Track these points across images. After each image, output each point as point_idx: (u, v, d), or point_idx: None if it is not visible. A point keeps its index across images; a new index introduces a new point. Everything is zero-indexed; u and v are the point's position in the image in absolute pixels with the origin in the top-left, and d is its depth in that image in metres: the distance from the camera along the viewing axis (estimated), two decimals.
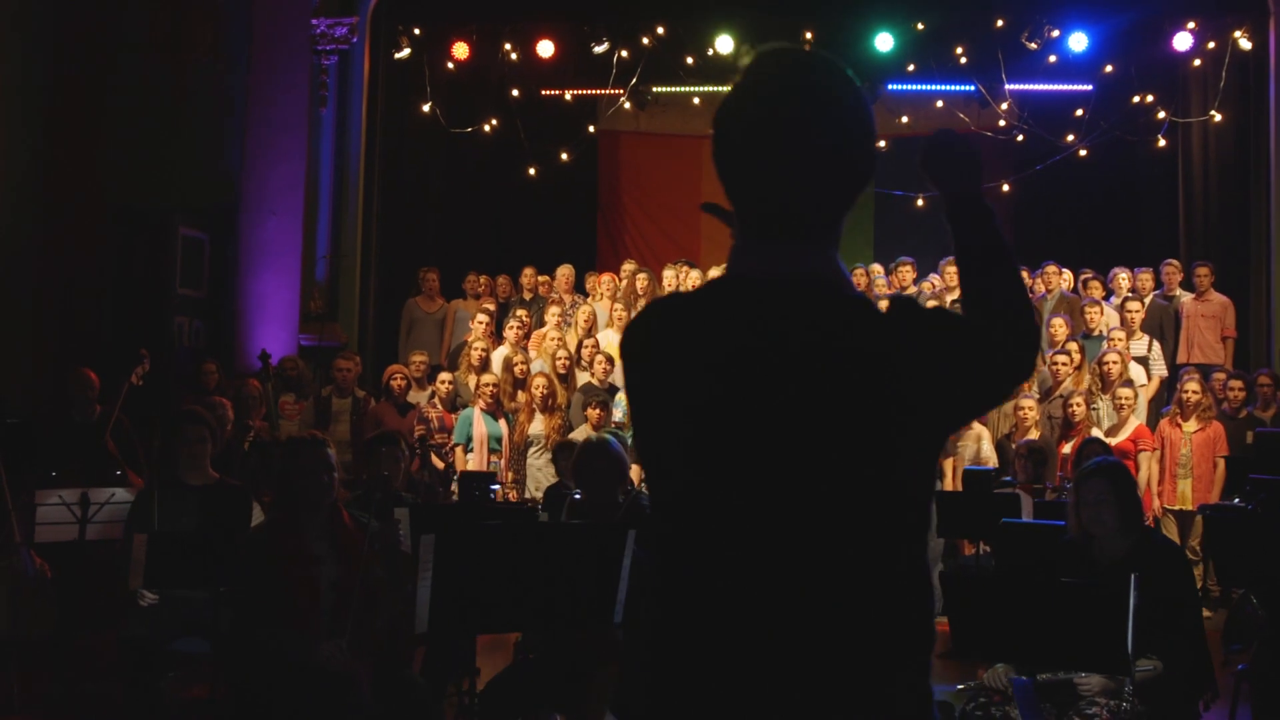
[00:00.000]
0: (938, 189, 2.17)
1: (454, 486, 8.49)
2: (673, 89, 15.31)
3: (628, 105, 14.79)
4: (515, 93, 14.63)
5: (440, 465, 9.73)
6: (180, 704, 5.68)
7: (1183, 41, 13.55)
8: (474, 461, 9.86)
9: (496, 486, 8.36)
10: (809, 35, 13.70)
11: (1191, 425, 10.03)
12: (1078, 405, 9.85)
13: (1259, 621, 5.28)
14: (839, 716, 1.94)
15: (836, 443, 1.95)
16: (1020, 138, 14.83)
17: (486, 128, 14.65)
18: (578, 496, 4.90)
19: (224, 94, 12.69)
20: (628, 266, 13.37)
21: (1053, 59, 13.98)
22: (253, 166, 12.60)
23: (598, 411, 9.80)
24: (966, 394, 2.04)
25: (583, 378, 10.91)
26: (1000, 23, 13.74)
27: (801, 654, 1.93)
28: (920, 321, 2.00)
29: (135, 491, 6.11)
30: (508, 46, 14.12)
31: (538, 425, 10.13)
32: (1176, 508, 9.95)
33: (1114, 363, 10.42)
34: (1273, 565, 4.48)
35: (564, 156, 15.16)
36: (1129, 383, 10.38)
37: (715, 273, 12.46)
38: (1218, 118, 13.77)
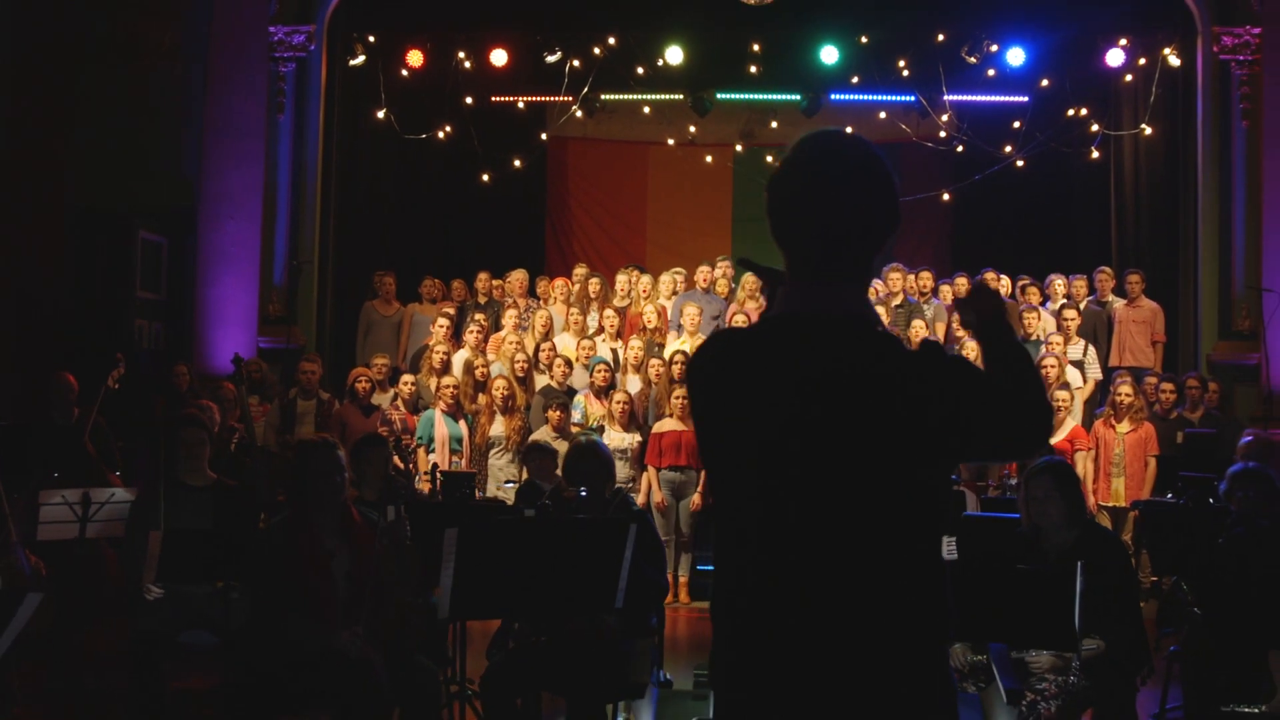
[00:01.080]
0: (975, 316, 2.61)
1: (430, 485, 8.73)
2: (621, 96, 15.41)
3: (579, 114, 14.98)
4: (468, 100, 14.73)
5: (401, 465, 9.98)
6: (179, 695, 5.97)
7: (1115, 58, 13.79)
8: (436, 462, 10.13)
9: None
10: (756, 47, 13.96)
11: (1124, 426, 10.40)
12: None
13: (1189, 606, 5.68)
14: (883, 686, 2.33)
15: (864, 454, 2.35)
16: (960, 148, 15.03)
17: (440, 134, 14.75)
18: (584, 494, 5.23)
19: (183, 100, 12.90)
20: (579, 271, 13.56)
21: (991, 73, 14.19)
22: (212, 171, 12.81)
23: (558, 413, 10.09)
24: (981, 440, 2.44)
25: (541, 380, 11.16)
26: (941, 37, 13.94)
27: (849, 628, 2.33)
28: (948, 370, 2.41)
29: (135, 492, 6.37)
30: (461, 55, 14.22)
31: (498, 427, 10.41)
32: (1110, 504, 10.29)
33: (1051, 366, 10.68)
34: (1201, 554, 4.90)
35: (516, 163, 15.34)
36: (1065, 385, 10.73)
37: (666, 278, 12.84)
38: (1148, 131, 14.05)
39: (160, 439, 6.21)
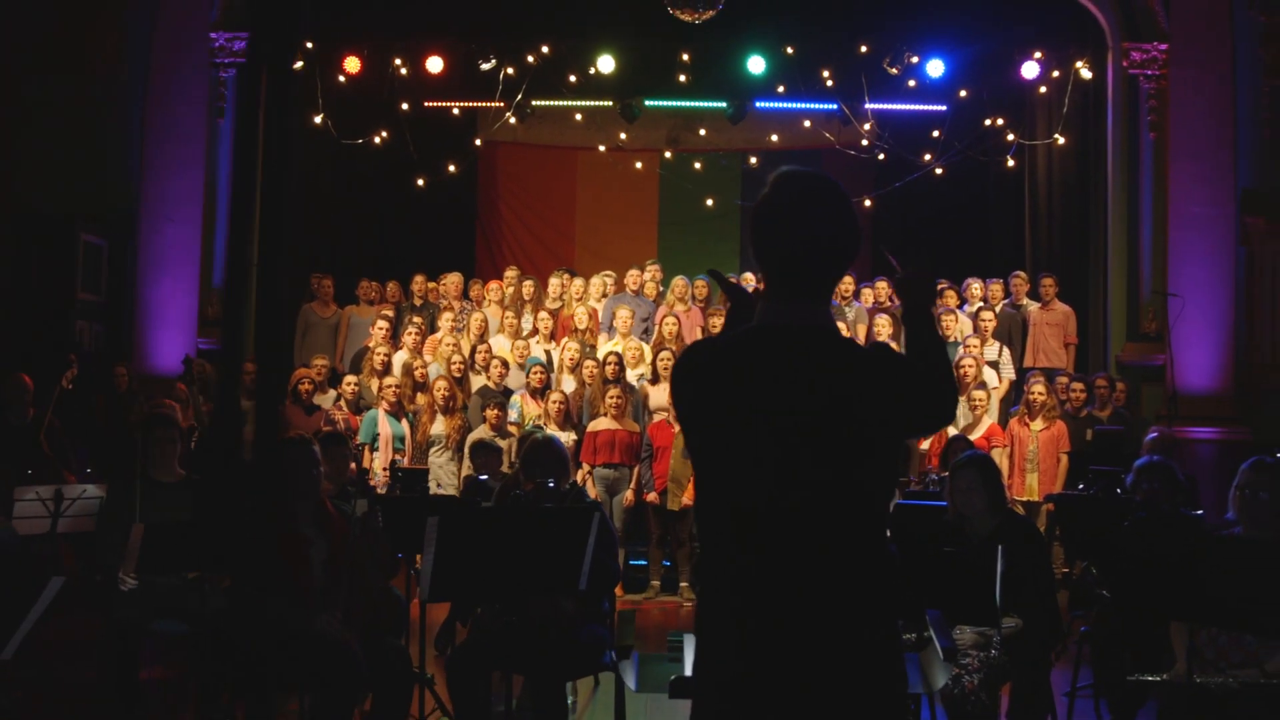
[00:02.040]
0: (910, 302, 3.03)
1: (388, 481, 9.00)
2: (553, 103, 15.59)
3: (513, 120, 15.21)
4: (404, 106, 14.90)
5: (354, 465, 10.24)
6: (150, 684, 6.24)
7: (1030, 70, 14.12)
8: (379, 460, 10.39)
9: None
10: (685, 57, 14.25)
11: (1038, 424, 10.77)
12: None
13: (1098, 589, 6.13)
14: (845, 658, 2.70)
15: (836, 442, 2.73)
16: (881, 156, 15.41)
17: (376, 139, 14.91)
18: (552, 484, 5.58)
19: (124, 105, 12.98)
20: (510, 273, 13.78)
21: (912, 83, 14.45)
22: (152, 175, 12.94)
23: (495, 412, 10.37)
24: (912, 419, 2.91)
25: (477, 381, 11.45)
26: (864, 49, 14.18)
27: (816, 602, 2.69)
28: (893, 364, 2.84)
29: (104, 488, 6.61)
30: (397, 61, 14.37)
31: (439, 426, 10.67)
32: (1025, 499, 10.58)
33: (969, 367, 11.11)
34: (1107, 541, 5.33)
35: (451, 169, 15.54)
36: (982, 385, 11.09)
37: (596, 281, 13.16)
38: (1061, 141, 14.42)
39: (135, 437, 6.46)
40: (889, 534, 3.15)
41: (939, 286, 12.90)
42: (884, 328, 11.92)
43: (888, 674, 2.77)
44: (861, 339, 12.03)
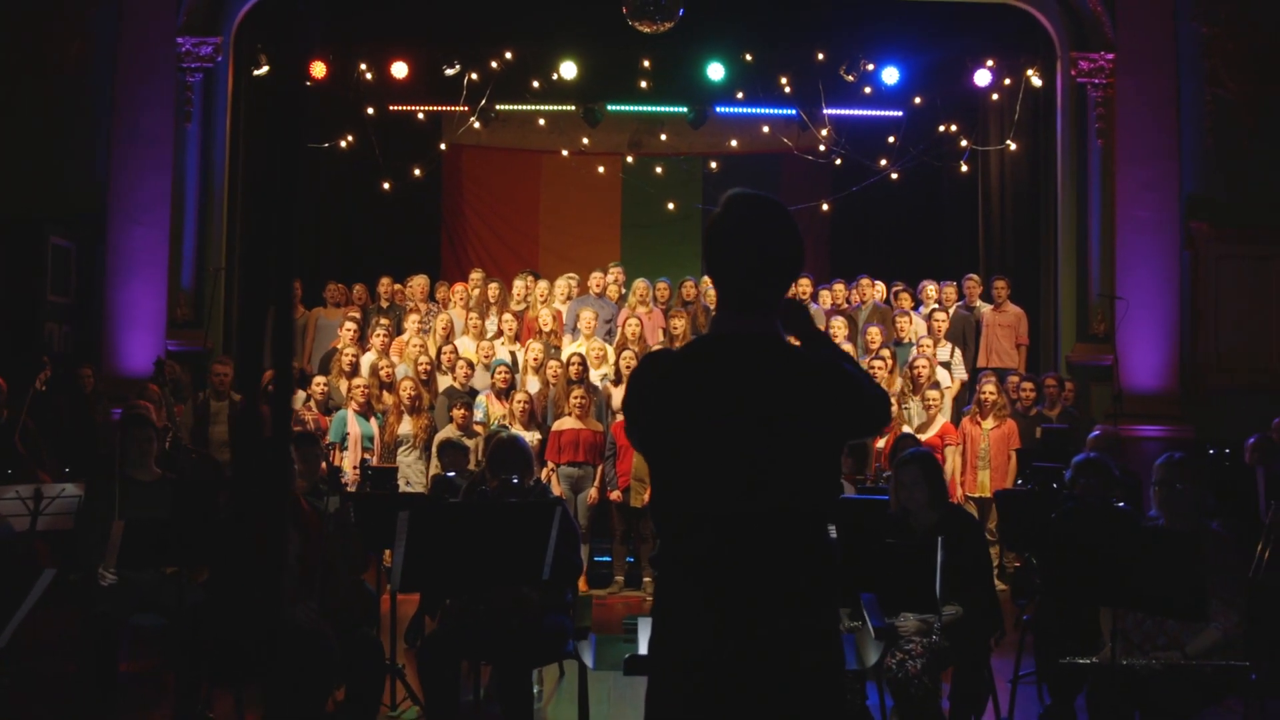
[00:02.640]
0: (794, 331, 3.26)
1: (359, 479, 9.23)
2: (516, 107, 15.80)
3: (477, 125, 15.40)
4: (369, 110, 15.06)
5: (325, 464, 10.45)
6: (128, 677, 6.46)
7: (982, 78, 14.34)
8: (349, 459, 10.61)
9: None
10: (647, 63, 14.43)
11: (990, 423, 11.04)
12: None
13: (1037, 579, 6.44)
14: (790, 639, 2.97)
15: (779, 442, 3.01)
16: (838, 161, 15.65)
17: (342, 143, 15.05)
18: (516, 480, 5.85)
19: (92, 109, 13.07)
20: (475, 275, 13.95)
21: (868, 90, 14.67)
22: (120, 179, 13.01)
23: (462, 411, 10.63)
24: (852, 423, 3.15)
25: (444, 381, 11.68)
26: (821, 56, 14.39)
27: (765, 586, 2.97)
28: (838, 373, 3.10)
29: (82, 487, 6.83)
30: (363, 66, 14.48)
31: (406, 425, 10.90)
32: (977, 495, 10.87)
33: (923, 367, 11.37)
34: (1046, 533, 5.62)
35: (417, 172, 15.75)
36: (935, 385, 11.38)
37: (560, 283, 13.41)
38: (1013, 147, 14.67)
39: (114, 438, 6.68)
40: (832, 526, 3.43)
41: (894, 289, 13.32)
42: (840, 329, 12.22)
43: (828, 652, 3.06)
44: None
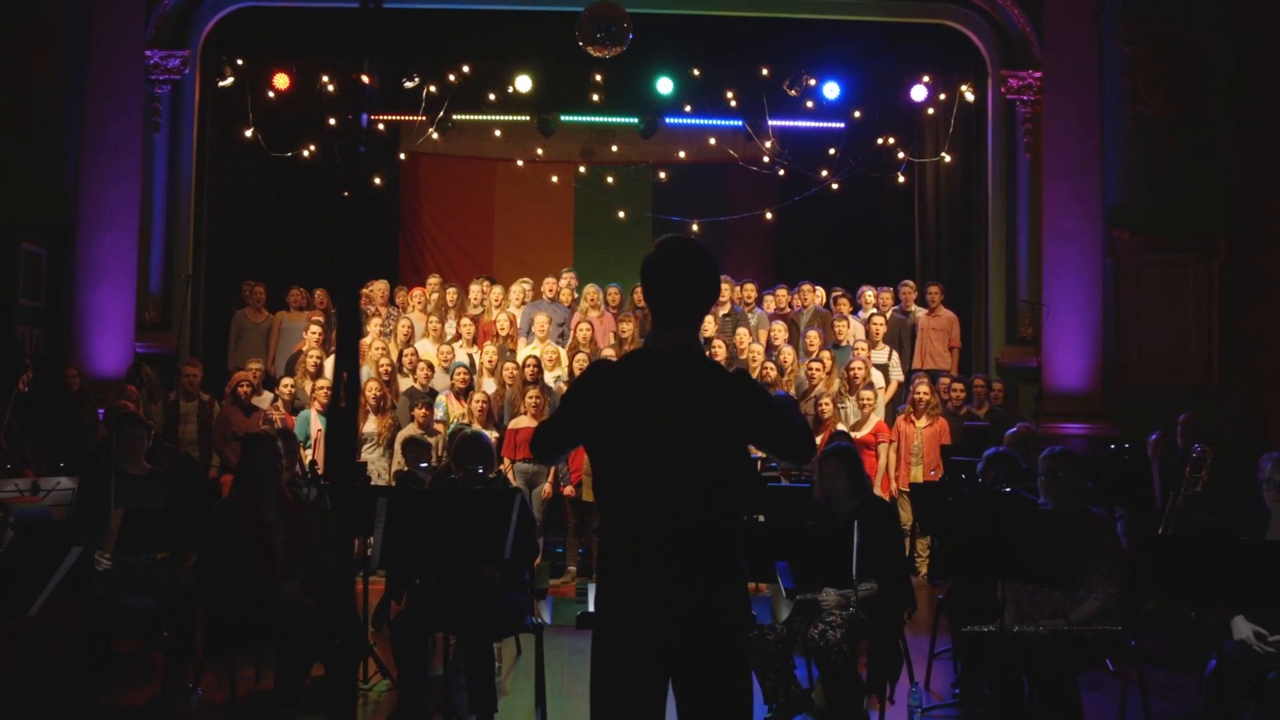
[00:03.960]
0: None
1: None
2: (473, 117, 16.19)
3: (435, 135, 15.89)
4: (331, 120, 15.39)
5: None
6: (121, 658, 7.01)
7: (919, 93, 14.95)
8: (312, 456, 11.15)
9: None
10: (599, 78, 14.96)
11: (922, 421, 11.69)
12: (827, 405, 11.43)
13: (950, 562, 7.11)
14: (706, 589, 3.66)
15: (698, 436, 3.69)
16: (782, 172, 16.15)
17: (305, 152, 15.42)
18: (482, 470, 6.50)
19: (62, 119, 13.53)
20: (433, 280, 14.49)
21: (810, 104, 15.25)
22: (90, 187, 13.47)
23: (423, 411, 11.22)
24: (764, 440, 3.88)
25: (405, 383, 12.21)
26: (765, 71, 14.98)
27: (686, 550, 3.65)
28: (749, 389, 3.81)
29: (76, 480, 7.39)
30: (325, 78, 14.88)
31: (371, 424, 11.43)
32: (909, 489, 11.37)
33: (859, 369, 11.98)
34: (950, 519, 6.29)
35: (377, 181, 16.21)
36: (870, 385, 12.00)
37: (515, 288, 13.91)
38: (947, 159, 15.29)
39: (109, 434, 7.26)
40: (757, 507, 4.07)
41: (834, 294, 13.99)
42: (780, 333, 12.88)
43: (737, 607, 3.75)
44: (764, 342, 12.97)
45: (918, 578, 10.67)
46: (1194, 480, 9.04)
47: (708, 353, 12.08)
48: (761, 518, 7.26)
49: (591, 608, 3.81)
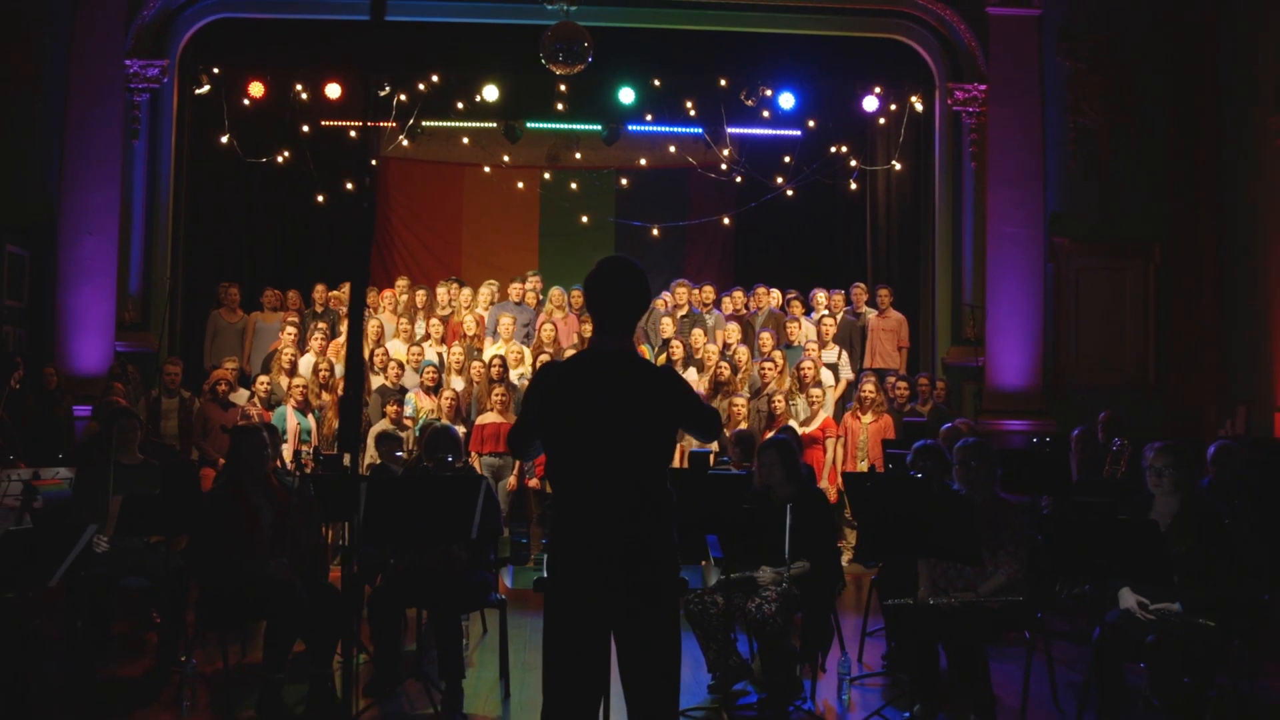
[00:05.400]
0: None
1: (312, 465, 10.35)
2: (441, 123, 16.75)
3: (406, 143, 16.41)
4: (304, 128, 15.99)
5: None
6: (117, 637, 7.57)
7: (870, 104, 15.57)
8: (287, 450, 11.69)
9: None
10: (563, 87, 15.43)
11: (868, 417, 12.28)
12: (779, 402, 12.07)
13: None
14: (646, 554, 4.32)
15: (634, 423, 4.35)
16: (739, 179, 16.80)
17: (279, 158, 15.97)
18: (451, 459, 7.14)
19: (44, 125, 13.99)
20: (402, 282, 15.10)
21: (766, 114, 15.79)
22: (72, 191, 13.92)
23: (394, 408, 11.77)
24: (682, 416, 4.52)
25: (376, 380, 12.73)
26: (723, 82, 15.53)
27: (625, 519, 4.30)
28: (675, 382, 4.49)
29: (74, 470, 7.95)
30: (299, 87, 15.43)
31: None
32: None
33: (808, 368, 12.57)
34: (868, 503, 6.95)
35: (349, 186, 16.70)
36: (819, 384, 12.59)
37: (483, 290, 14.47)
38: (898, 167, 15.86)
39: (106, 428, 7.85)
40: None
41: (788, 296, 14.64)
42: (734, 334, 13.53)
43: (668, 569, 4.43)
44: (719, 343, 13.58)
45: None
46: (1114, 471, 9.76)
47: (667, 352, 12.93)
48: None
49: (546, 574, 4.42)
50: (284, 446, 11.46)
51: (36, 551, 5.59)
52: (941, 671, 6.71)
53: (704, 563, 6.49)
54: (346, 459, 9.87)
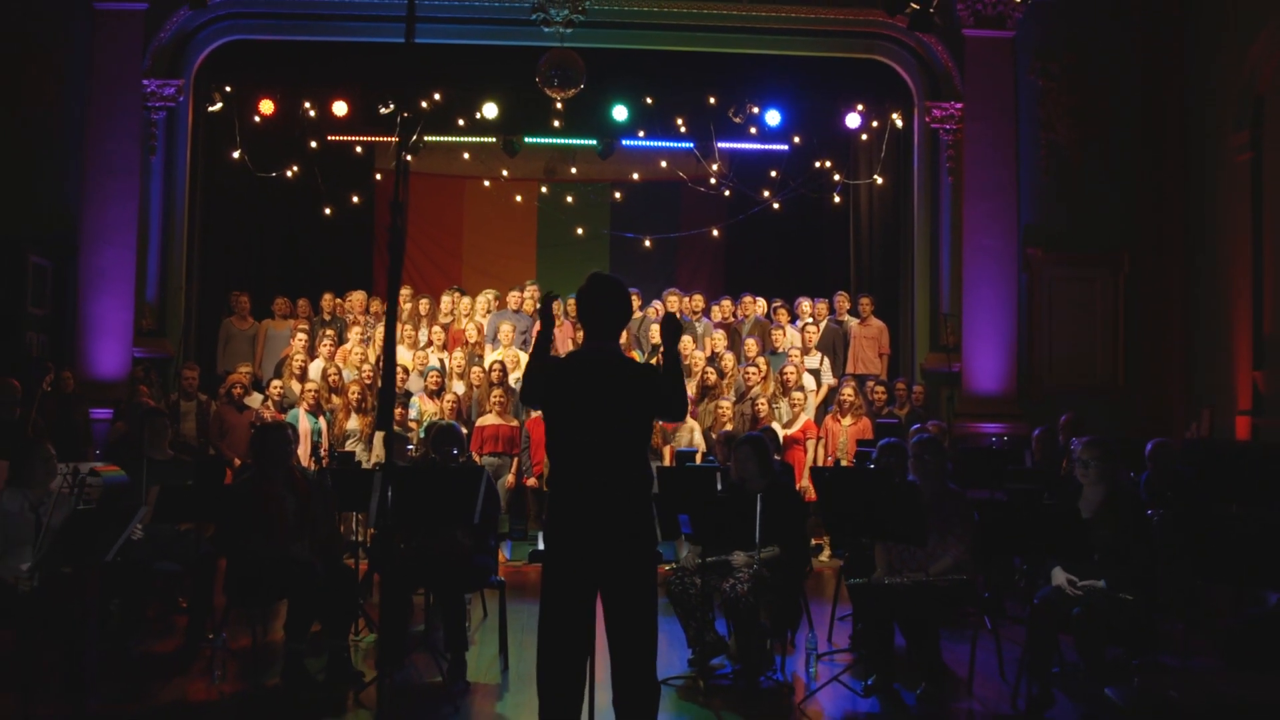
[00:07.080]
0: (665, 341, 5.34)
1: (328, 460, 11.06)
2: (443, 138, 17.38)
3: (409, 159, 17.02)
4: (313, 143, 16.64)
5: None
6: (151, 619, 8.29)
7: (853, 121, 16.15)
8: (302, 450, 12.32)
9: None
10: (560, 105, 15.82)
11: (848, 420, 12.94)
12: (762, 405, 12.77)
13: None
14: (624, 521, 5.07)
15: (621, 411, 5.10)
16: (728, 192, 17.44)
17: (288, 173, 16.62)
18: (456, 452, 7.91)
19: (66, 141, 14.67)
20: (405, 291, 15.52)
21: (753, 130, 16.37)
22: (92, 205, 14.61)
23: (400, 410, 12.50)
24: (658, 408, 5.24)
25: None
26: (712, 100, 16.15)
27: (610, 494, 5.06)
28: (654, 377, 5.20)
29: (109, 466, 8.67)
30: (307, 104, 16.07)
31: (353, 422, 12.64)
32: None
33: (791, 373, 13.26)
34: (839, 495, 7.69)
35: (355, 199, 17.45)
36: (801, 388, 13.28)
37: (482, 299, 15.12)
38: (879, 181, 16.45)
39: (138, 426, 8.60)
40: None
41: (774, 305, 15.33)
42: (721, 341, 14.23)
43: (647, 532, 5.17)
44: (707, 350, 14.26)
45: (821, 556, 11.85)
46: (1070, 470, 10.44)
47: (657, 357, 13.60)
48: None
49: (541, 546, 5.16)
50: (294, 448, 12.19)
51: (95, 530, 6.33)
52: (899, 648, 7.45)
53: (678, 540, 7.27)
54: (378, 445, 10.66)
